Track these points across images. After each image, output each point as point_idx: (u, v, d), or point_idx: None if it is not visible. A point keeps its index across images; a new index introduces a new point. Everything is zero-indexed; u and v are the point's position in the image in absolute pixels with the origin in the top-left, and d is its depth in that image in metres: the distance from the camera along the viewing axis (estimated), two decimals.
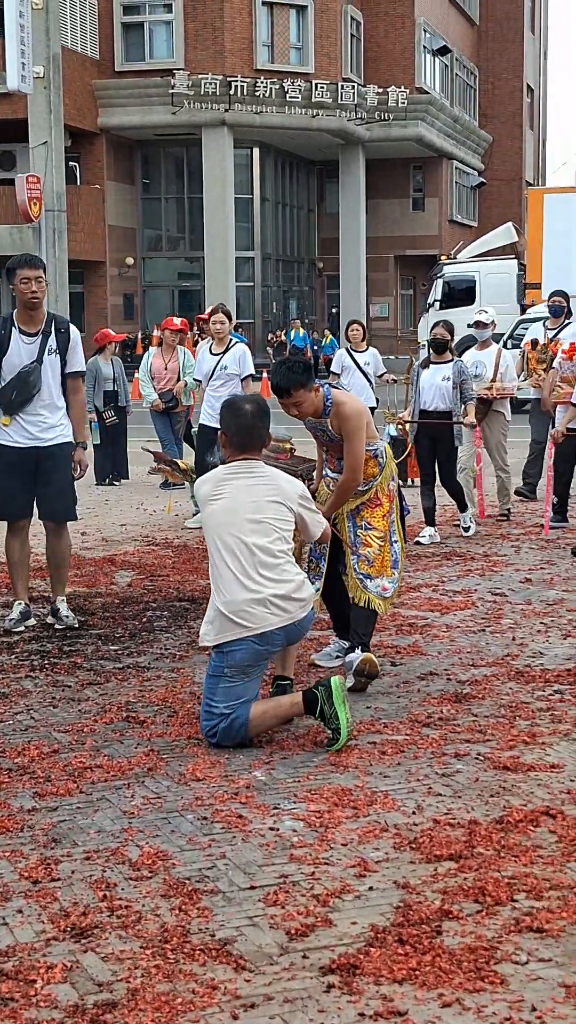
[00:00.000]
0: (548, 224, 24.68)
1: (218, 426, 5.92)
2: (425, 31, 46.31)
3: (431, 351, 10.99)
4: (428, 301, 32.78)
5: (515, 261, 31.86)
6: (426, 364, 11.02)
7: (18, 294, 7.49)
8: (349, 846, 4.34)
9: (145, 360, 14.47)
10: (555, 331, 12.74)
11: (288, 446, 7.82)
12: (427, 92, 45.55)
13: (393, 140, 42.98)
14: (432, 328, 11.22)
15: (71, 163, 37.18)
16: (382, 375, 14.64)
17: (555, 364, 11.61)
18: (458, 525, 11.80)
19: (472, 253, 35.47)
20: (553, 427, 11.42)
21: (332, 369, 14.44)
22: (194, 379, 12.08)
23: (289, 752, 5.36)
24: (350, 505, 6.55)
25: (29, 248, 17.37)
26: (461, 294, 31.53)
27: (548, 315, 13.22)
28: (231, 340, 11.46)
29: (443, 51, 48.25)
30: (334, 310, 46.15)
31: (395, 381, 15.08)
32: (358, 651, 6.39)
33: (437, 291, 32.05)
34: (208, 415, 11.17)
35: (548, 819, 4.54)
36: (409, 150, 45.14)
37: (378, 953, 3.56)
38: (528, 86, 57.66)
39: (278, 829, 4.49)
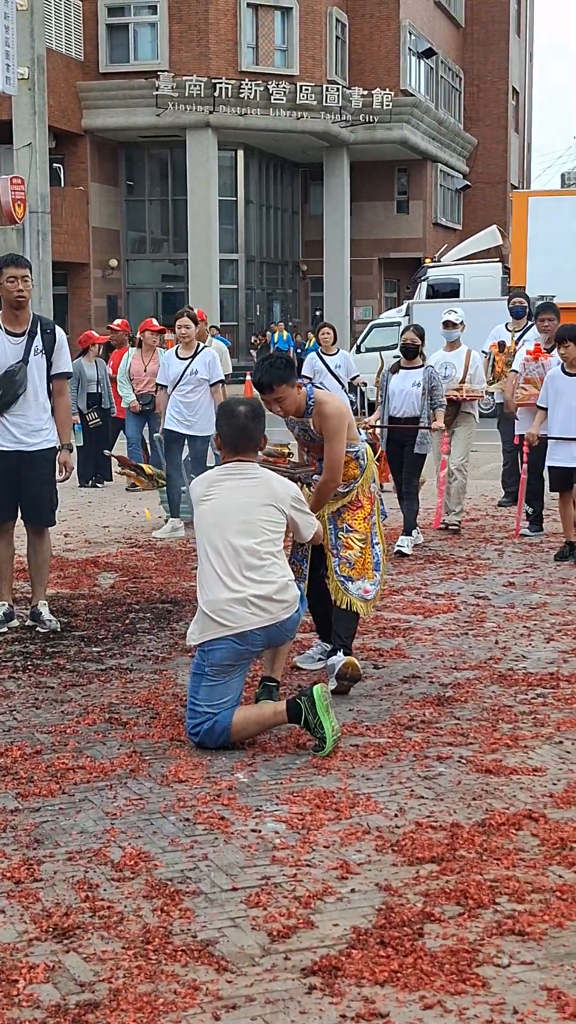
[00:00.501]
0: (533, 227, 24.65)
1: (182, 431, 6.01)
2: (410, 33, 46.36)
3: (401, 356, 10.80)
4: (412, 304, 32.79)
5: (499, 264, 31.89)
6: (396, 369, 10.80)
7: (3, 293, 7.46)
8: (331, 848, 4.35)
9: (125, 361, 14.50)
10: (519, 333, 12.59)
11: (286, 451, 7.83)
12: (412, 95, 45.59)
13: (378, 143, 43.02)
14: (403, 332, 11.04)
15: (55, 164, 37.09)
16: (355, 378, 14.48)
17: (517, 366, 11.43)
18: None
19: (456, 256, 35.48)
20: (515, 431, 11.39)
21: (303, 373, 13.92)
22: (157, 383, 11.92)
23: (271, 754, 5.36)
24: (331, 507, 6.54)
25: (13, 249, 17.37)
26: (446, 297, 31.56)
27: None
28: (198, 345, 11.43)
29: (428, 53, 48.30)
30: (318, 313, 46.15)
31: (366, 384, 15.05)
32: (340, 654, 6.40)
33: (421, 294, 32.07)
34: (174, 420, 11.14)
35: (530, 822, 4.55)
36: (394, 153, 45.18)
37: (360, 955, 3.57)
38: (513, 89, 57.77)
39: (260, 831, 4.50)
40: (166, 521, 11.61)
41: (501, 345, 12.74)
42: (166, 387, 11.35)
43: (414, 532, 10.52)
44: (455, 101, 55.14)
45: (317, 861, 4.24)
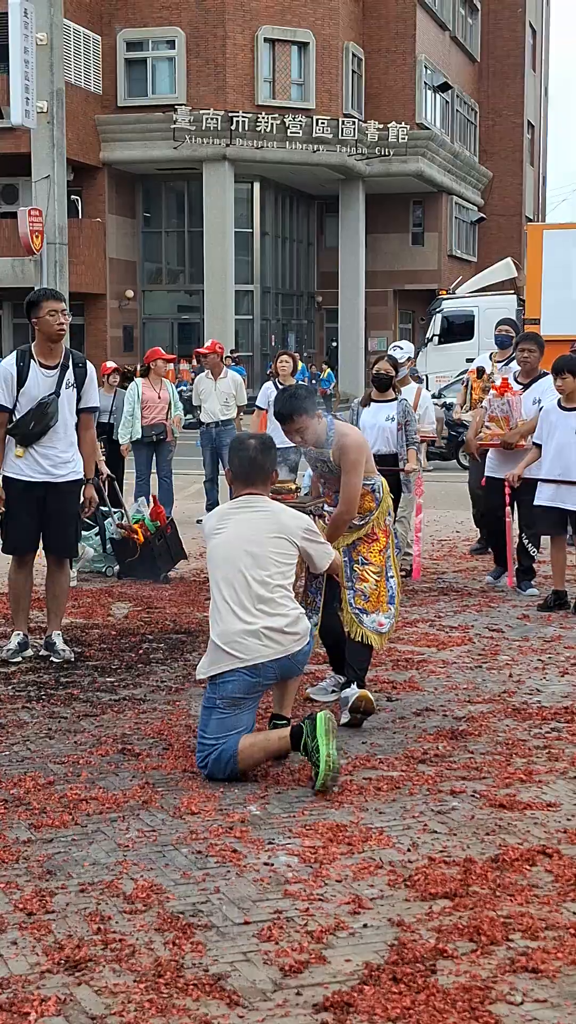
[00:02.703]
0: (547, 260, 24.70)
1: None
2: (426, 67, 46.63)
3: (373, 387, 9.98)
4: (427, 336, 32.89)
5: (514, 296, 31.96)
6: (367, 402, 10.08)
7: (43, 327, 7.50)
8: (344, 882, 4.33)
9: (134, 391, 14.38)
10: (503, 363, 11.72)
11: (293, 486, 7.82)
12: (427, 128, 45.82)
13: (393, 175, 43.21)
14: (374, 363, 10.25)
15: (73, 197, 37.36)
16: (240, 407, 13.95)
17: (483, 403, 10.47)
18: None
19: (471, 288, 35.61)
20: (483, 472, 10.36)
21: (258, 404, 13.20)
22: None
23: (284, 787, 5.35)
24: (347, 540, 6.53)
25: (30, 281, 17.44)
26: (460, 329, 31.63)
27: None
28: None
29: (444, 87, 48.56)
30: (333, 344, 46.29)
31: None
32: (354, 687, 6.39)
33: (436, 326, 32.17)
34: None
35: (544, 858, 4.53)
36: (409, 185, 45.37)
37: (372, 991, 3.55)
38: (528, 122, 58.02)
39: (272, 864, 4.48)
40: None
41: (480, 371, 12.06)
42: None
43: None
44: (470, 134, 55.39)
45: (329, 895, 4.23)
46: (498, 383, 10.30)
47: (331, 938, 3.90)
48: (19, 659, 7.59)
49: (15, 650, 7.61)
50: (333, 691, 6.75)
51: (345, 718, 6.25)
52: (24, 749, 5.91)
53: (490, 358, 12.22)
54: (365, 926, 3.99)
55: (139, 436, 13.65)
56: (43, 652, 7.79)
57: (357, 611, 6.48)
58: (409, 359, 11.25)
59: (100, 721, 6.37)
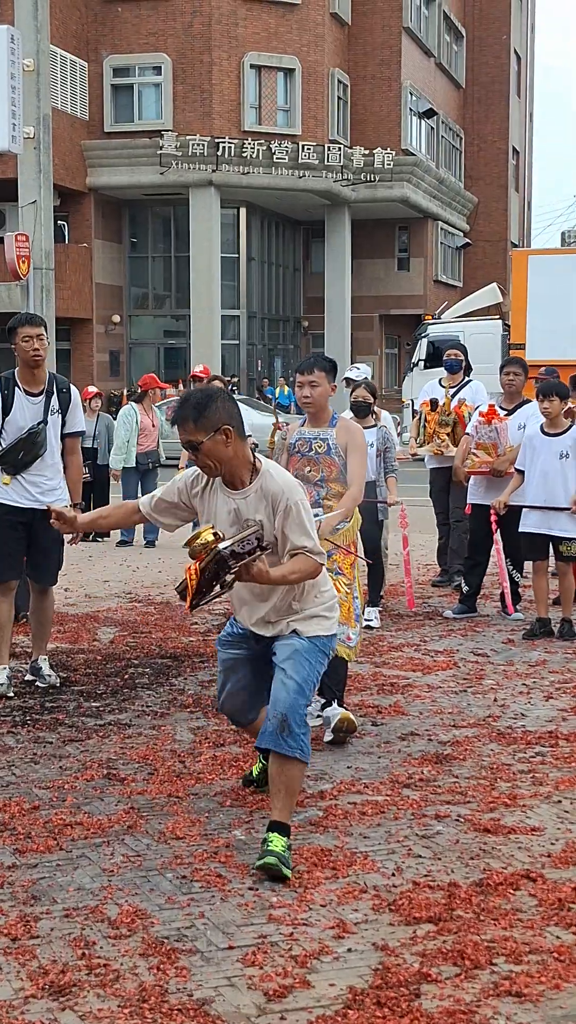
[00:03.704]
0: (532, 285, 24.87)
1: None
2: (411, 94, 46.87)
3: (352, 415, 9.63)
4: (412, 361, 32.97)
5: (500, 321, 32.09)
6: None
7: (20, 353, 7.47)
8: (328, 907, 4.34)
9: (128, 417, 14.38)
10: (455, 389, 11.34)
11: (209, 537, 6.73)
12: (413, 154, 46.01)
13: (379, 201, 43.38)
14: (352, 390, 9.93)
15: (59, 222, 37.43)
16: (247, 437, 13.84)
17: (469, 430, 10.23)
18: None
19: (457, 313, 35.72)
20: (465, 499, 10.21)
21: None
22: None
23: (269, 812, 5.35)
24: (323, 546, 6.54)
25: (17, 306, 17.49)
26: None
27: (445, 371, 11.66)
28: None
29: (429, 113, 48.81)
30: (335, 361, 46.37)
31: (256, 446, 14.46)
32: (335, 705, 6.45)
33: (421, 351, 32.24)
34: None
35: (528, 882, 4.54)
36: (395, 211, 45.54)
37: (356, 1015, 3.56)
38: (514, 148, 58.31)
39: (257, 889, 4.49)
40: None
41: (433, 403, 11.33)
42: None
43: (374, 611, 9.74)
44: (456, 160, 55.66)
45: (314, 920, 4.23)
46: (484, 410, 10.15)
47: (315, 962, 3.91)
48: (11, 693, 7.50)
49: (6, 684, 7.52)
50: (318, 716, 6.74)
51: (328, 737, 6.32)
52: (9, 774, 5.90)
53: (440, 383, 11.64)
54: (349, 950, 4.00)
55: (133, 464, 13.61)
56: (28, 677, 7.78)
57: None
58: (366, 379, 10.77)
59: (85, 746, 6.37)
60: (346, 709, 6.52)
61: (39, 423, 7.49)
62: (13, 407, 7.49)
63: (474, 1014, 3.57)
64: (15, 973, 3.85)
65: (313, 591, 4.97)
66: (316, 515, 6.56)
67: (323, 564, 4.87)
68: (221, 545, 4.48)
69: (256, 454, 4.92)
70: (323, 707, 6.55)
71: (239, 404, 5.16)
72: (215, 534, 4.53)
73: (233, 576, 4.57)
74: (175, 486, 5.01)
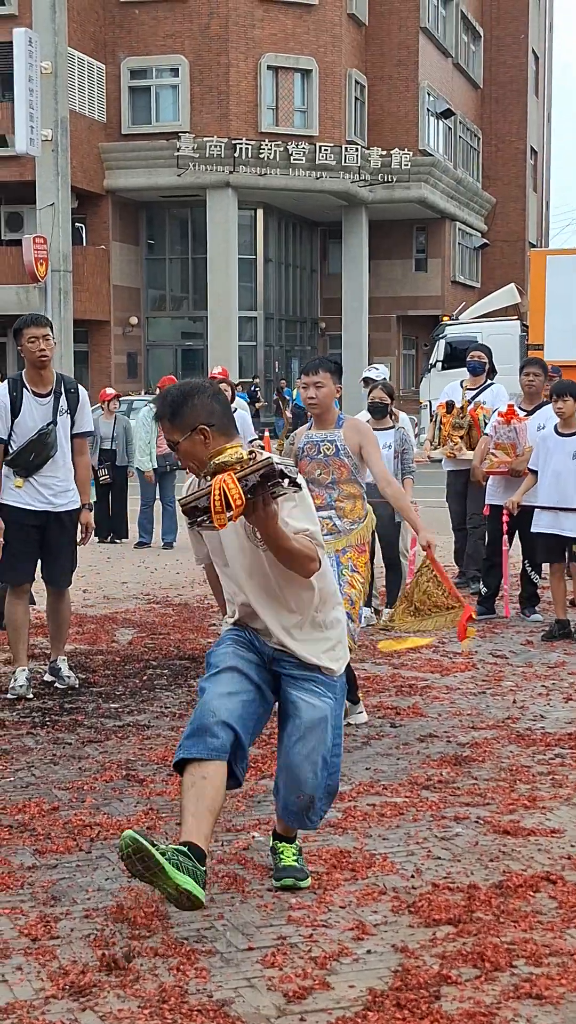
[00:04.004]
0: (551, 285, 24.77)
1: None
2: (429, 94, 46.84)
3: (370, 416, 9.72)
4: (430, 362, 32.94)
5: (518, 322, 32.02)
6: None
7: (27, 354, 7.45)
8: (347, 909, 4.34)
9: (148, 419, 14.43)
10: (475, 391, 11.31)
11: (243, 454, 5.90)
12: (430, 154, 45.98)
13: (396, 202, 43.35)
14: (369, 392, 9.99)
15: (77, 224, 37.51)
16: (251, 442, 13.85)
17: (488, 430, 10.23)
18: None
19: (475, 314, 35.69)
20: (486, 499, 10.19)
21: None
22: None
23: None
24: (337, 545, 6.55)
25: (35, 308, 17.56)
26: (463, 355, 31.57)
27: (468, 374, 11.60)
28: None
29: (447, 114, 48.76)
30: (339, 363, 46.32)
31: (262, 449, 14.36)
32: (360, 708, 6.57)
33: (439, 352, 32.21)
34: None
35: (548, 884, 4.53)
36: (412, 212, 45.52)
37: (376, 1017, 3.55)
38: (531, 148, 58.20)
39: (276, 891, 4.49)
40: None
41: (449, 406, 11.26)
42: None
43: (369, 611, 9.51)
44: (473, 160, 55.59)
45: (333, 921, 4.23)
46: (503, 410, 10.13)
47: (335, 964, 3.91)
48: (30, 695, 7.51)
49: (26, 685, 7.54)
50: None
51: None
52: (29, 775, 5.92)
53: (461, 385, 11.61)
54: (369, 952, 4.00)
55: (154, 466, 13.68)
56: (48, 677, 7.79)
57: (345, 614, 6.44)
58: (385, 380, 10.84)
59: (104, 747, 6.38)
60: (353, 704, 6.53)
61: (48, 424, 7.48)
62: (22, 409, 7.47)
63: (494, 1016, 3.57)
64: (36, 973, 3.85)
65: (332, 600, 4.51)
66: (328, 518, 6.56)
67: (323, 553, 4.35)
68: (275, 459, 4.00)
69: (254, 446, 4.73)
70: None
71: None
72: (250, 452, 4.09)
73: (252, 501, 3.97)
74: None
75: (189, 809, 4.04)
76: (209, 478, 4.03)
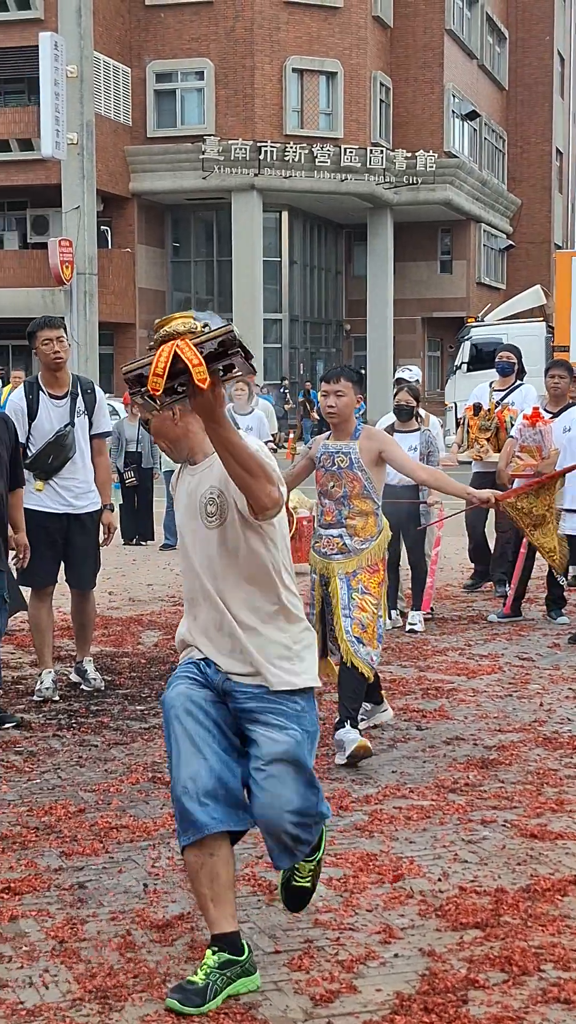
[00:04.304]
0: None
1: None
2: (454, 96, 46.78)
3: (395, 418, 9.77)
4: (455, 364, 32.89)
5: (543, 324, 31.93)
6: (390, 432, 9.44)
7: (41, 356, 7.43)
8: (374, 912, 4.33)
9: None
10: (503, 392, 11.18)
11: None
12: (455, 156, 45.93)
13: (421, 203, 43.31)
14: (396, 394, 9.97)
15: (103, 227, 37.60)
16: (267, 442, 13.87)
17: (513, 432, 10.14)
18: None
19: (500, 316, 35.60)
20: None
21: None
22: None
23: None
24: (346, 567, 6.31)
25: (60, 310, 17.62)
26: (488, 357, 31.50)
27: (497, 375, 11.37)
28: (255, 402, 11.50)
29: (472, 116, 48.68)
30: (362, 372, 46.39)
31: (277, 449, 14.26)
32: (348, 727, 6.10)
33: (464, 354, 32.15)
34: None
35: None
36: (437, 213, 45.47)
37: (403, 1021, 3.54)
38: (557, 150, 58.03)
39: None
40: None
41: (477, 408, 11.16)
42: None
43: (393, 612, 9.66)
44: (498, 162, 55.49)
45: (360, 925, 4.22)
46: (528, 412, 10.03)
47: (362, 968, 3.90)
48: (56, 697, 7.50)
49: (52, 687, 7.55)
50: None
51: (341, 760, 6.08)
52: (55, 777, 5.93)
53: (490, 386, 11.40)
54: (396, 956, 3.99)
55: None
56: (74, 678, 7.80)
57: (353, 639, 6.20)
58: (418, 381, 10.87)
59: (130, 749, 6.39)
60: (361, 734, 6.16)
61: (66, 426, 7.46)
62: (39, 412, 7.44)
63: (522, 1021, 3.55)
64: (63, 976, 3.86)
65: (289, 585, 3.96)
66: (339, 536, 6.35)
67: (284, 495, 3.79)
68: (235, 329, 3.60)
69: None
70: (336, 727, 6.21)
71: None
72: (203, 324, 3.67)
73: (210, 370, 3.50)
74: None
75: (207, 895, 3.79)
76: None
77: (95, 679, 7.69)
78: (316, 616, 6.39)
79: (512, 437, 10.14)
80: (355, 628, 6.23)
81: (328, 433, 6.69)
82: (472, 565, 11.87)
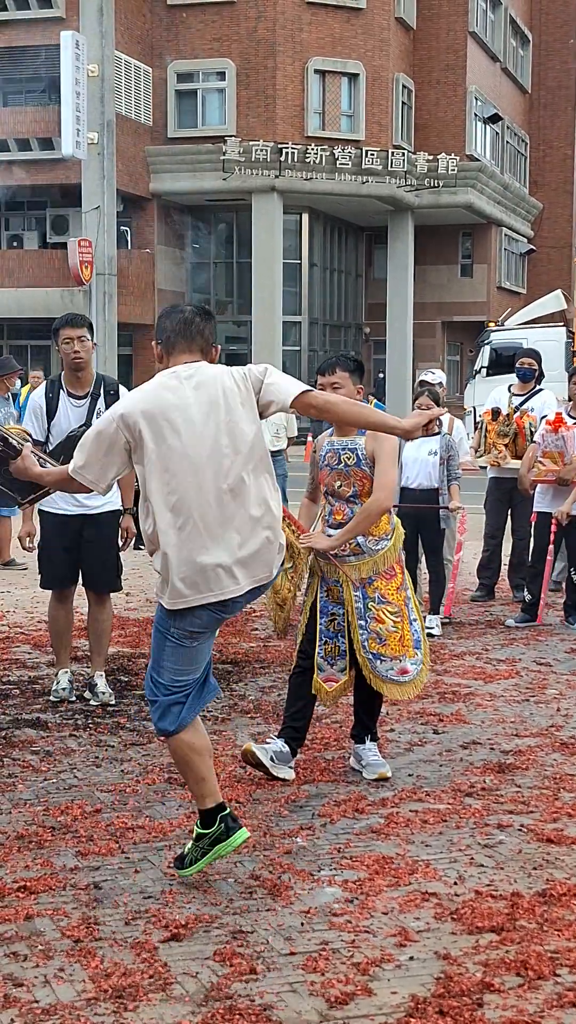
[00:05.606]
0: None
1: None
2: (476, 99, 46.72)
3: None
4: (475, 368, 32.86)
5: (564, 329, 31.90)
6: None
7: (62, 355, 7.31)
8: (390, 915, 4.32)
9: None
10: (523, 398, 11.05)
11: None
12: (477, 159, 45.87)
13: (442, 207, 43.26)
14: (415, 398, 9.76)
15: (122, 228, 37.65)
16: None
17: (536, 438, 10.10)
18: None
19: (520, 320, 35.57)
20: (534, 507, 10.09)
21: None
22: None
23: (331, 818, 5.34)
24: (360, 573, 5.91)
25: (80, 311, 17.60)
26: (508, 361, 31.48)
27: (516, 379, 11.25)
28: None
29: (494, 119, 48.62)
30: (381, 375, 46.34)
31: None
32: (368, 744, 6.04)
33: (484, 358, 32.13)
34: None
35: None
36: (458, 217, 45.42)
37: None
38: None
39: (319, 896, 4.48)
40: None
41: (495, 412, 11.04)
42: None
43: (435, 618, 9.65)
44: (520, 166, 55.41)
45: (375, 927, 4.22)
46: (551, 418, 10.02)
47: (377, 970, 3.90)
48: (72, 697, 7.48)
49: (68, 688, 7.52)
50: (290, 767, 5.95)
51: (356, 765, 6.04)
52: (71, 777, 5.94)
53: (509, 390, 11.22)
54: (411, 959, 3.98)
55: None
56: (86, 695, 7.65)
57: (371, 656, 5.88)
58: (441, 383, 10.87)
59: (147, 750, 6.40)
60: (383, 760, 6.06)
61: (81, 426, 7.31)
62: (58, 411, 7.31)
63: None
64: (78, 975, 3.86)
65: None
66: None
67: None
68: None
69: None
70: (356, 740, 6.10)
71: None
72: None
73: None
74: None
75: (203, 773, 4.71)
76: None
77: (104, 694, 7.47)
78: (303, 623, 6.10)
79: (534, 443, 10.10)
80: (372, 643, 5.88)
81: (330, 429, 6.18)
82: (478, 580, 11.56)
